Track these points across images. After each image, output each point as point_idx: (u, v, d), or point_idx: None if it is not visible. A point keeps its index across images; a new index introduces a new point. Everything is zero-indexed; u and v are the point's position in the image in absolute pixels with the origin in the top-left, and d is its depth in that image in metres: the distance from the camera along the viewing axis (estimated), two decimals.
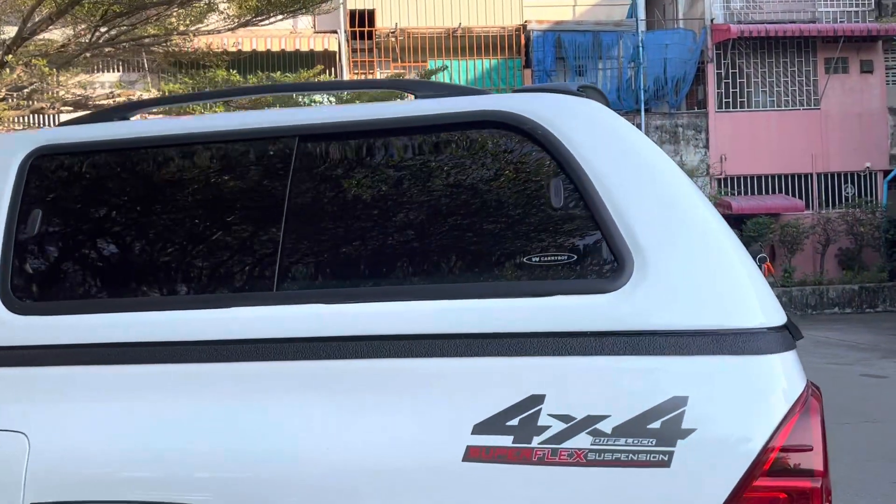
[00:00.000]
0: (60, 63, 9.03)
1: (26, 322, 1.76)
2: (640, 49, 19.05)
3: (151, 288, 1.78)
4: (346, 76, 18.05)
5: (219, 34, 15.13)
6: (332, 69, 18.63)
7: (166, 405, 1.62)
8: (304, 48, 17.65)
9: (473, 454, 1.45)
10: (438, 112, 1.74)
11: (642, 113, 18.97)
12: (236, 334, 1.63)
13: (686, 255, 1.51)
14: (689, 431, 1.39)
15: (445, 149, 1.74)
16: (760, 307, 1.48)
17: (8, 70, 7.58)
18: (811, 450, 1.38)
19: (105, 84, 14.35)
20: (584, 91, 1.81)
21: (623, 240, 1.53)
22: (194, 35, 11.17)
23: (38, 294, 1.82)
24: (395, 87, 1.99)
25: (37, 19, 8.28)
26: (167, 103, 2.14)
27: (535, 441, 1.43)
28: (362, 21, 18.60)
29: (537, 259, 1.59)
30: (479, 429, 1.46)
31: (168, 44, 10.43)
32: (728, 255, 1.52)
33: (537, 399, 1.46)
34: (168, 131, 1.88)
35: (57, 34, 9.63)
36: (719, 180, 19.08)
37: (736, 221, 18.00)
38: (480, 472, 1.44)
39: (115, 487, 1.58)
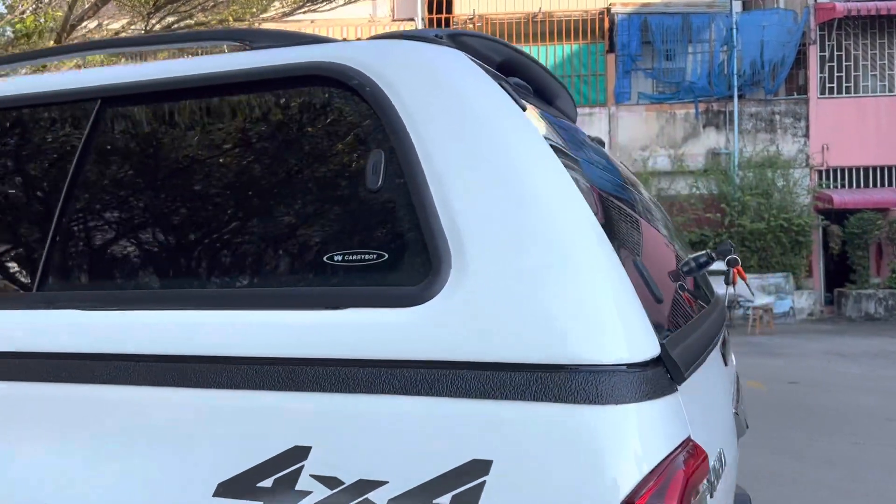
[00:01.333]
0: (115, 54, 9.07)
1: None
2: (734, 31, 17.85)
3: None
4: None
5: (296, 22, 15.12)
6: None
7: None
8: None
9: None
10: (258, 66, 1.36)
11: (735, 99, 17.80)
12: None
13: (521, 260, 1.07)
14: None
15: (258, 113, 1.35)
16: (617, 335, 1.02)
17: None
18: None
19: None
20: (442, 38, 1.37)
21: (444, 236, 1.10)
22: (259, 23, 11.10)
23: None
24: (227, 38, 1.61)
25: (86, 6, 8.38)
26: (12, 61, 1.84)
27: None
28: (440, 8, 18.27)
29: (340, 258, 1.18)
30: (225, 489, 1.08)
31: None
32: (582, 264, 1.06)
33: (301, 452, 1.06)
34: None
35: (117, 24, 9.77)
36: (820, 172, 17.69)
37: (838, 217, 16.67)
38: None
39: None
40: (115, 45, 2.07)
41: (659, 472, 0.95)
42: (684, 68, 18.37)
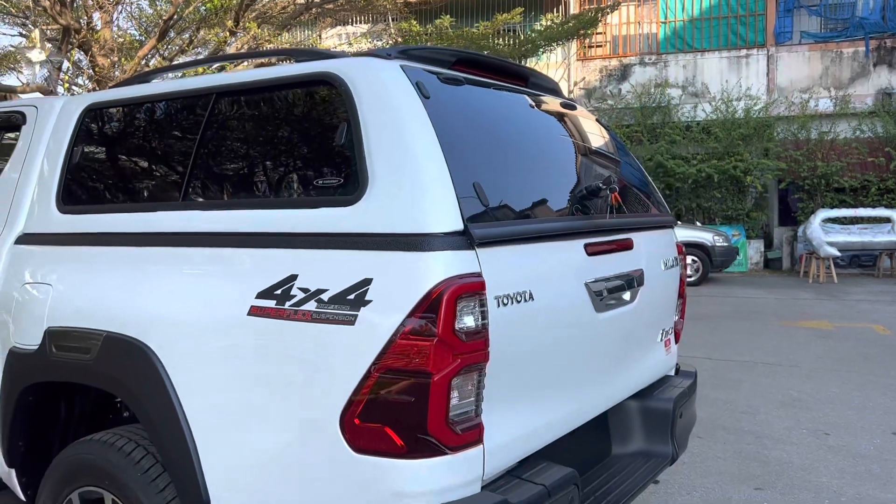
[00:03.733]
0: (282, 25, 10.65)
1: (65, 218, 2.79)
2: None
3: (129, 198, 2.72)
4: (572, 10, 18.15)
5: None
6: (559, 6, 18.83)
7: (119, 272, 2.56)
8: None
9: (253, 311, 2.17)
10: (294, 73, 2.42)
11: None
12: (155, 229, 2.51)
13: (398, 181, 2.06)
14: (368, 302, 1.99)
15: (291, 100, 2.42)
16: (438, 218, 2.00)
17: (226, 34, 9.25)
18: (433, 319, 1.91)
19: (343, 35, 16.20)
20: (391, 55, 2.37)
21: (366, 170, 2.12)
22: None
23: (74, 200, 2.85)
24: (284, 54, 2.69)
25: None
26: (173, 69, 3.05)
27: (287, 304, 2.12)
28: None
29: (321, 182, 2.24)
30: (260, 295, 2.18)
31: None
32: (426, 185, 2.04)
33: (294, 277, 2.14)
34: (148, 92, 2.78)
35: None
36: None
37: None
38: (255, 323, 2.16)
39: (85, 319, 2.55)
40: (226, 59, 3.21)
41: (448, 282, 1.92)
42: (854, 3, 17.40)
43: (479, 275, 2.01)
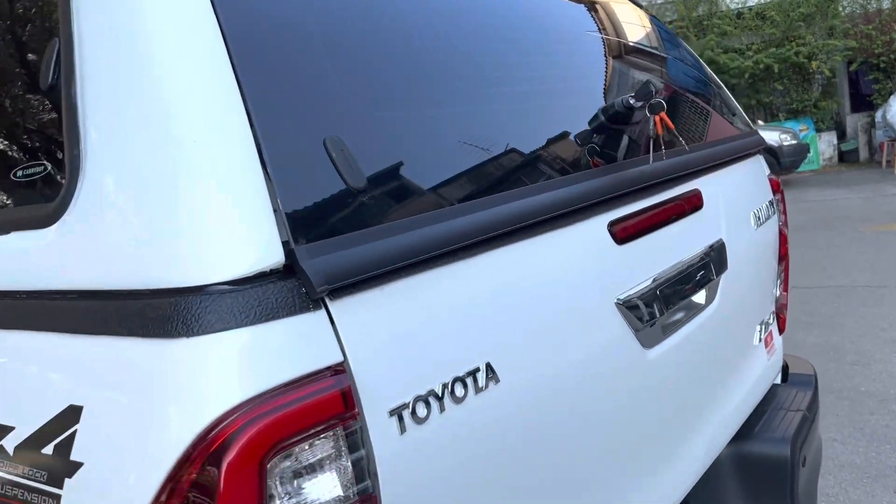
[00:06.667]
0: None
1: None
2: None
3: None
4: None
5: None
6: None
7: None
8: None
9: None
10: None
11: None
12: None
13: (131, 162, 0.86)
14: (77, 466, 0.82)
15: None
16: (223, 251, 0.79)
17: None
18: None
19: None
20: None
21: (79, 149, 0.91)
22: None
23: None
24: None
25: None
26: None
27: None
28: None
29: (21, 174, 1.04)
30: None
31: None
32: (190, 162, 0.82)
33: None
34: None
35: None
36: None
37: None
38: None
39: None
40: None
41: (241, 414, 0.73)
42: None
43: (338, 368, 0.81)
